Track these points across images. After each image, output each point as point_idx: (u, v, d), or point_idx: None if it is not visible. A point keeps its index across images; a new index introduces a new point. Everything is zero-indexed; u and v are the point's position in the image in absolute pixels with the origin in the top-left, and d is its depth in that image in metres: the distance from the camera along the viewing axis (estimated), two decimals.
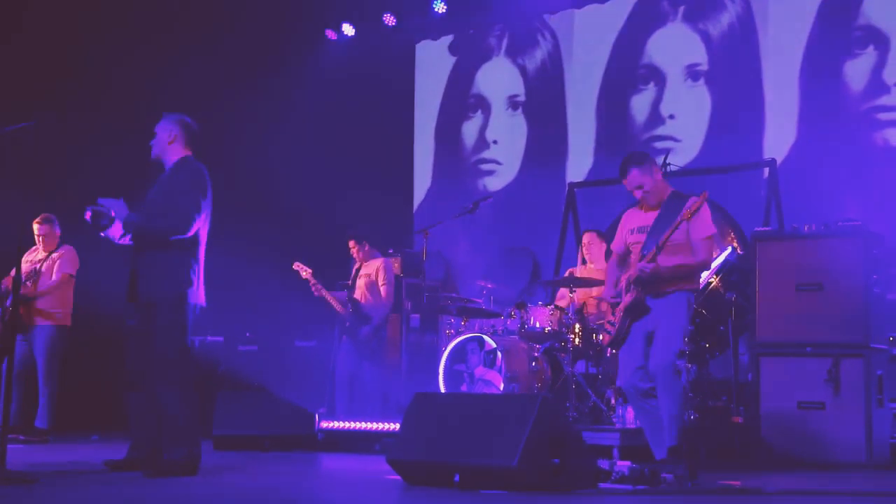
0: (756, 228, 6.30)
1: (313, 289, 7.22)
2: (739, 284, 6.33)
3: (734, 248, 6.63)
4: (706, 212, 4.78)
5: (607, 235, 6.92)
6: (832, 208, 6.66)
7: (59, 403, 7.01)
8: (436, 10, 9.70)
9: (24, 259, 6.95)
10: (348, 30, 10.14)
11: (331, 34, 10.21)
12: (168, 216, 4.77)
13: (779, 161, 7.55)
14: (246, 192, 8.80)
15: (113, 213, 4.77)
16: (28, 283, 6.92)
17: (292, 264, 7.30)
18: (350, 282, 7.39)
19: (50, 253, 7.11)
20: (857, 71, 7.82)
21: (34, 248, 7.16)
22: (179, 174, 4.89)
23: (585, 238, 7.08)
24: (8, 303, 6.77)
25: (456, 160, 10.01)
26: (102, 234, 4.91)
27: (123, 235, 4.88)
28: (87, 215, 4.84)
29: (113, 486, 4.40)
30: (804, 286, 5.81)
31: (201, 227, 4.86)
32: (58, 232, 7.16)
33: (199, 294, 4.86)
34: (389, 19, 9.96)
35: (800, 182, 7.56)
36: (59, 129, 7.65)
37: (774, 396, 5.83)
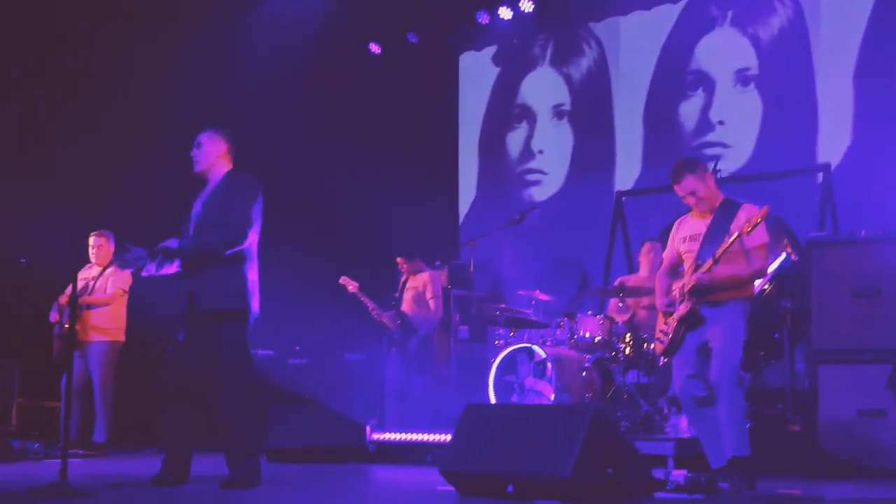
0: (811, 234, 6.19)
1: (372, 312, 7.22)
2: (794, 291, 6.22)
3: (788, 255, 6.51)
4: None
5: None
6: (889, 212, 6.51)
7: (115, 417, 7.14)
8: (479, 20, 9.72)
9: (78, 276, 7.08)
10: (392, 43, 10.19)
11: (374, 48, 10.28)
12: (221, 229, 4.72)
13: (833, 165, 7.42)
14: (293, 207, 8.87)
15: (140, 255, 4.73)
16: (83, 296, 7.07)
17: (339, 278, 7.34)
18: (398, 294, 7.42)
19: (103, 270, 7.25)
20: None
21: (88, 265, 7.30)
22: (232, 186, 4.83)
23: (646, 247, 7.03)
24: (65, 319, 6.92)
25: (501, 171, 9.99)
26: (144, 275, 4.80)
27: (171, 263, 4.75)
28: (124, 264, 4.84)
29: (168, 499, 4.44)
30: (861, 292, 5.70)
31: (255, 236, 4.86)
32: (111, 248, 7.29)
33: (256, 304, 4.84)
34: (432, 31, 9.99)
35: (855, 186, 7.40)
36: (113, 154, 7.80)
37: (833, 404, 5.71)
